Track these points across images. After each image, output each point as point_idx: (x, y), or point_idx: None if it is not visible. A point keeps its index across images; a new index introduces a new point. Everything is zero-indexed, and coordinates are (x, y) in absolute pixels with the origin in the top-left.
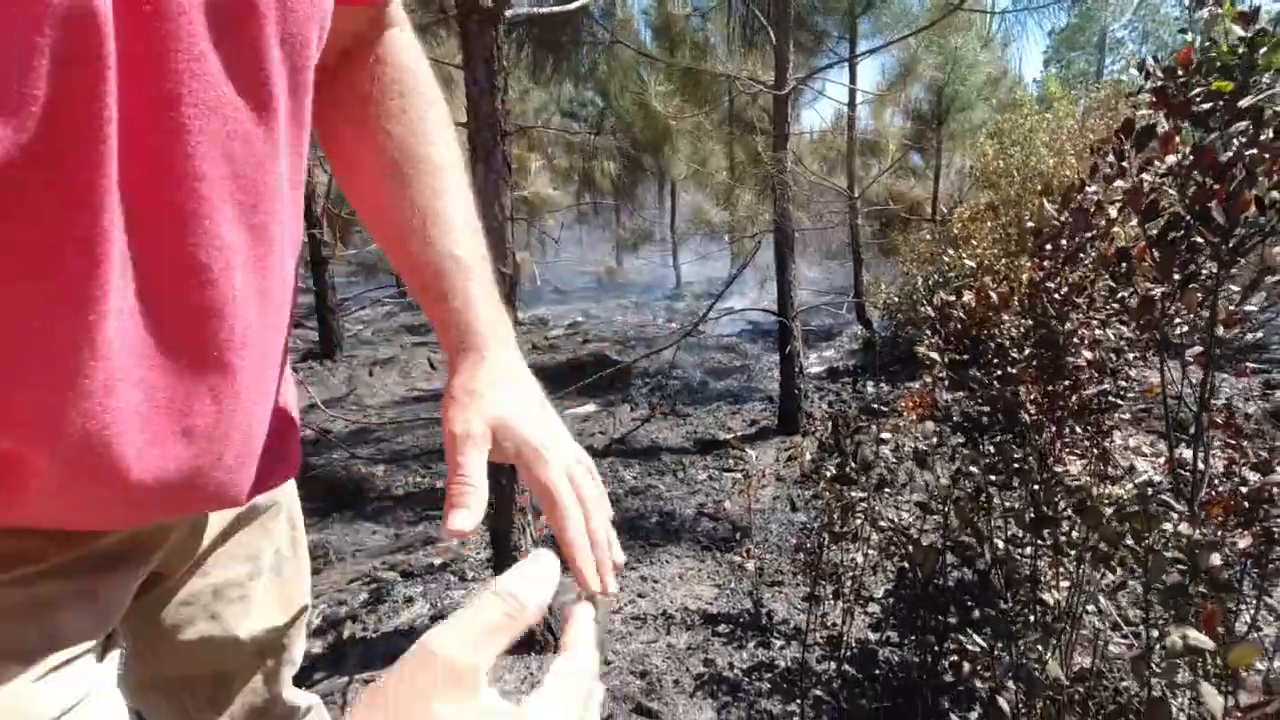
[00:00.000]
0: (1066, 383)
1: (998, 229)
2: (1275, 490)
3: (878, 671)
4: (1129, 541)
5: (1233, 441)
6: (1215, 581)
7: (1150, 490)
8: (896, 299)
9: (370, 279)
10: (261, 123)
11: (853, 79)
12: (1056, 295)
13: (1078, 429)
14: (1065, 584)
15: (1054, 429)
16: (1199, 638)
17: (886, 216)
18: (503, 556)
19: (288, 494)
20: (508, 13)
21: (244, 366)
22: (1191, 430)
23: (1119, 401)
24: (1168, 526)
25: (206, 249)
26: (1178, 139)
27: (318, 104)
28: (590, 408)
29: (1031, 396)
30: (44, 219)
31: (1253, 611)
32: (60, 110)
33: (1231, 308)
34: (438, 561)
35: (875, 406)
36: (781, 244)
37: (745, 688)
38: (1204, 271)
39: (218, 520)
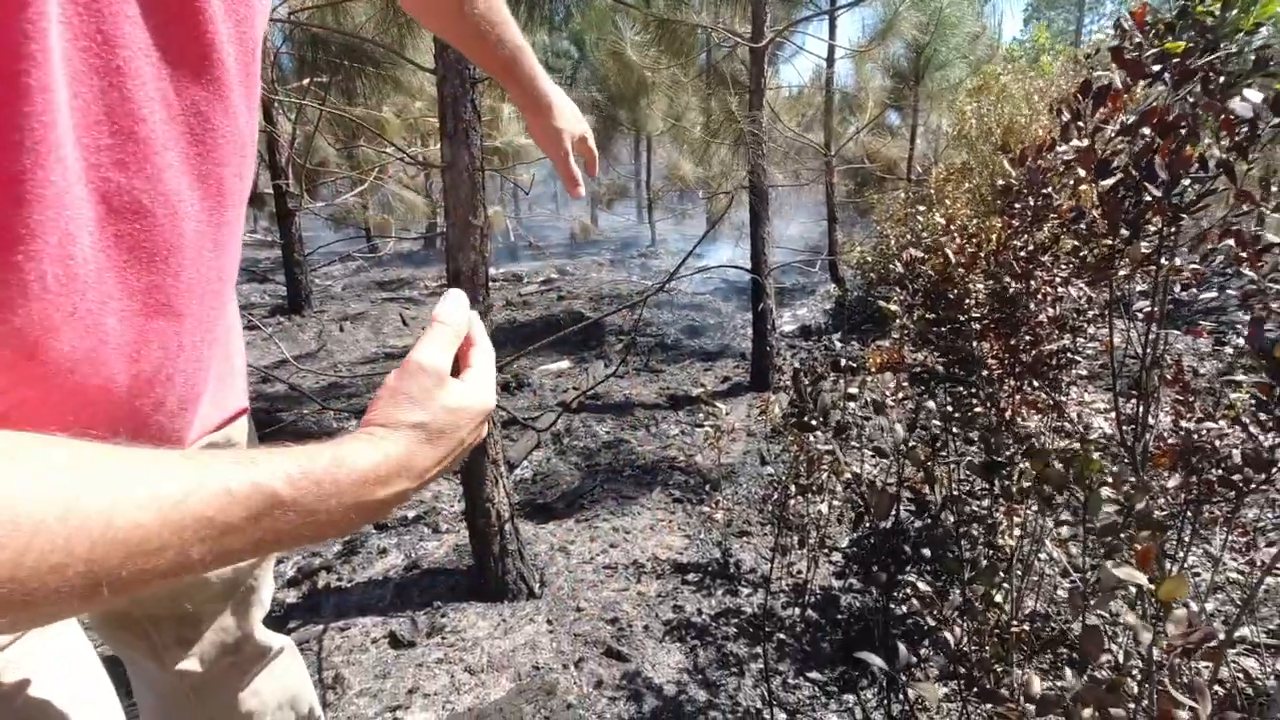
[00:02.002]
0: (1027, 338)
1: (972, 190)
2: (1210, 440)
3: (840, 616)
4: (1073, 485)
5: (1180, 397)
6: (1147, 521)
7: (1104, 442)
8: (870, 258)
9: (339, 233)
10: (205, 72)
11: (832, 34)
12: (1022, 253)
13: (1035, 384)
14: (1019, 531)
15: (1013, 383)
16: (1132, 573)
17: (863, 175)
18: (476, 507)
19: (243, 434)
20: None
21: (191, 313)
22: (1143, 386)
23: (1077, 358)
24: (1107, 469)
25: (150, 194)
26: (1126, 97)
27: None
28: (564, 364)
29: (993, 351)
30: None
31: (1183, 553)
32: None
33: (1181, 264)
34: (411, 514)
35: (843, 362)
36: (756, 201)
37: (712, 632)
38: (1151, 228)
39: None
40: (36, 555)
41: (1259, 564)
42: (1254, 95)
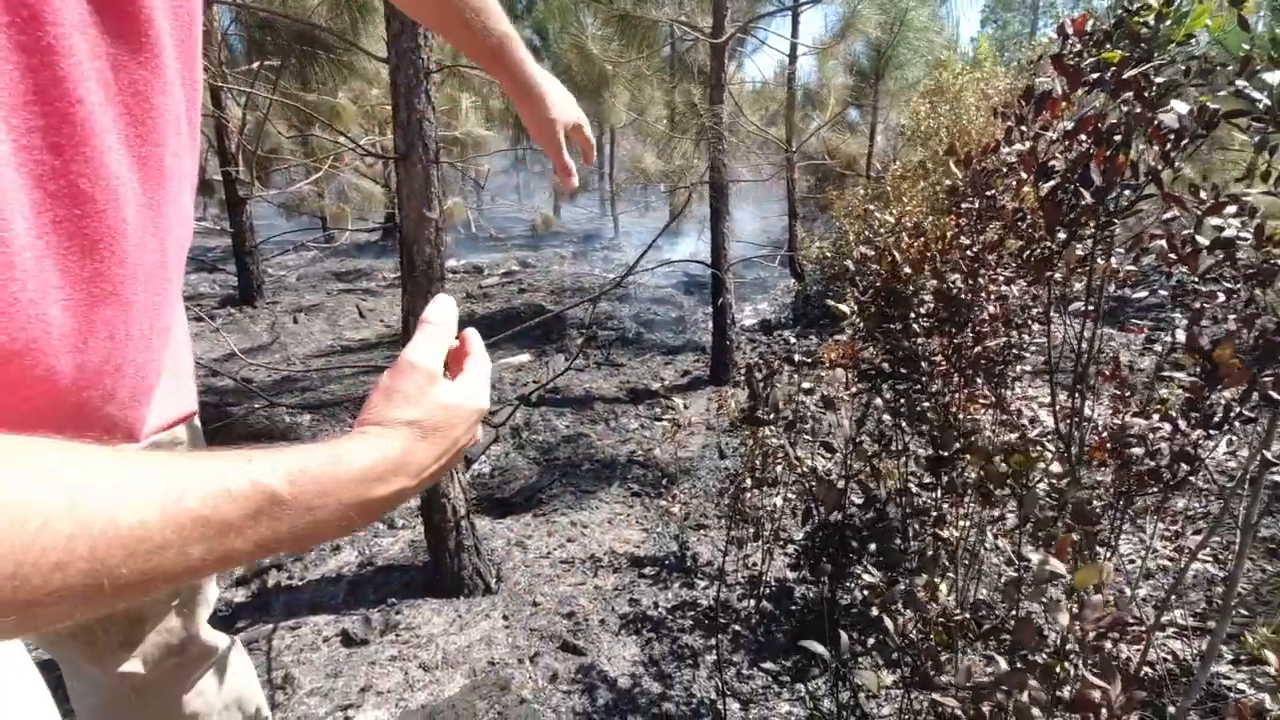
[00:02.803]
0: (971, 335)
1: (927, 187)
2: (1140, 434)
3: (793, 607)
4: (1011, 481)
5: (1119, 392)
6: (1079, 513)
7: (1046, 436)
8: (828, 254)
9: (293, 221)
10: (142, 49)
11: (795, 31)
12: (969, 253)
13: (979, 379)
14: (965, 523)
15: (959, 379)
16: (1055, 563)
17: (824, 171)
18: (432, 503)
19: (192, 432)
20: None
21: (137, 301)
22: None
23: (1024, 354)
24: (1043, 466)
25: (90, 178)
26: (1065, 103)
27: None
28: (525, 357)
29: (939, 348)
30: None
31: (1116, 542)
32: None
33: (1117, 265)
34: None
35: (797, 358)
36: (716, 197)
37: (668, 625)
38: (1087, 231)
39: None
40: (39, 553)
41: (1186, 550)
42: (1180, 107)
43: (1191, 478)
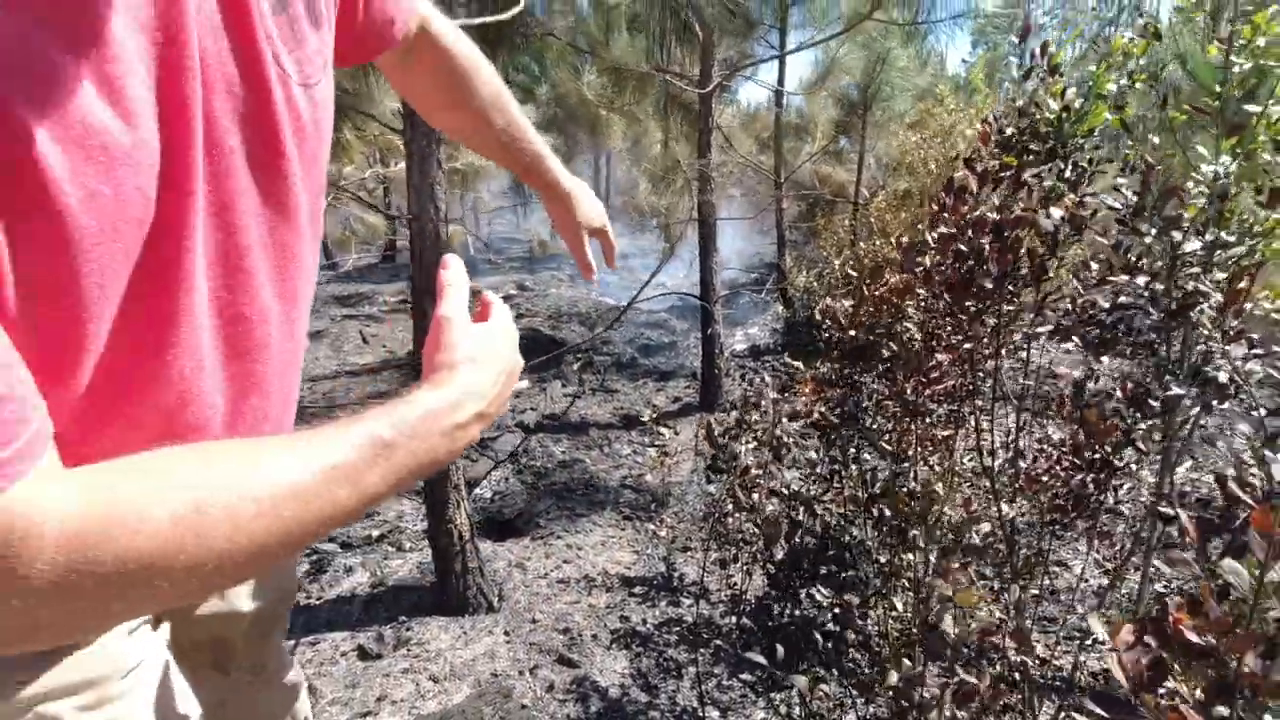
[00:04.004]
0: (923, 380)
1: (909, 217)
2: (1038, 474)
3: (770, 623)
4: (919, 520)
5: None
6: (969, 547)
7: (971, 473)
8: (814, 283)
9: None
10: (289, 218)
11: (781, 79)
12: (922, 304)
13: (927, 420)
14: (913, 555)
15: (909, 423)
16: (944, 587)
17: (813, 198)
18: (439, 529)
19: None
20: None
21: (274, 391)
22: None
23: (982, 390)
24: (937, 507)
25: (249, 307)
26: (975, 201)
27: (404, 88)
28: (523, 384)
29: (890, 392)
30: (144, 289)
31: (1043, 561)
32: (160, 215)
33: (1019, 335)
34: (375, 534)
35: (772, 396)
36: (705, 234)
37: (656, 640)
38: (990, 305)
39: None
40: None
41: (1115, 571)
42: (1056, 212)
43: (1094, 512)
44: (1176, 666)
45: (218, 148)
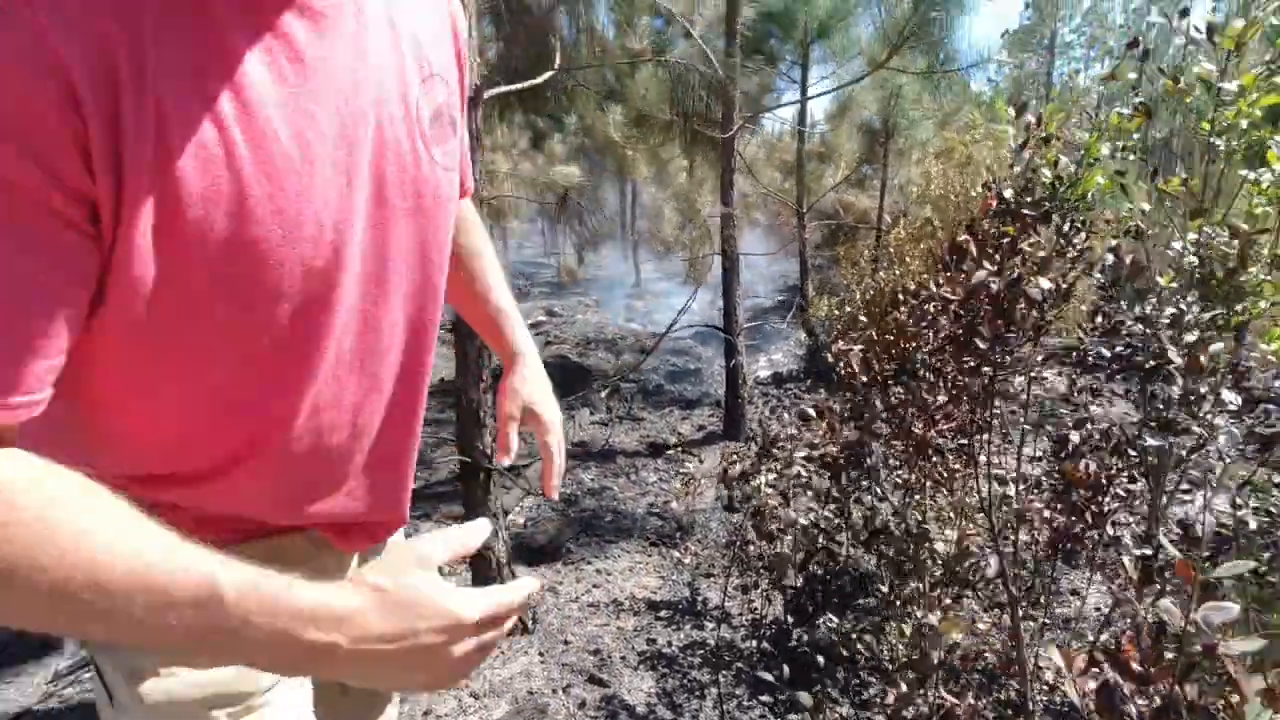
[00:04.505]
0: (930, 418)
1: (928, 250)
2: (1031, 516)
3: (790, 645)
4: (912, 558)
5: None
6: (956, 578)
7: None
8: (835, 312)
9: None
10: (419, 335)
11: (802, 117)
12: (924, 353)
13: (934, 459)
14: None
15: (915, 459)
16: (930, 617)
17: (836, 224)
18: (479, 555)
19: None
20: (486, 94)
21: (380, 465)
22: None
23: (990, 424)
24: (928, 545)
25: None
26: (975, 265)
27: None
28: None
29: (899, 429)
30: (287, 379)
31: (1046, 589)
32: (306, 319)
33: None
34: None
35: (790, 432)
36: (728, 268)
37: (680, 662)
38: (986, 365)
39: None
40: (38, 569)
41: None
42: (1045, 283)
43: (1094, 545)
44: (1127, 691)
45: (383, 197)
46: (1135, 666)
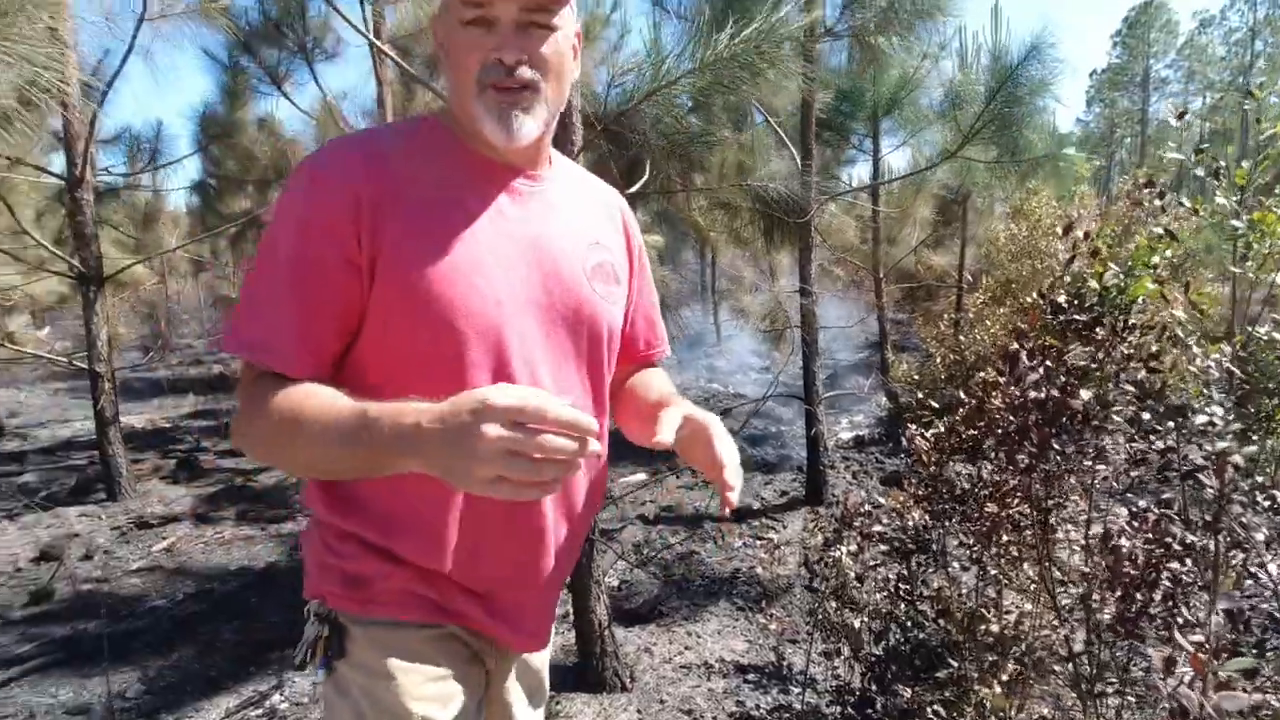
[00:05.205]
0: (1001, 502)
1: (1006, 315)
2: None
3: (871, 712)
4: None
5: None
6: (1019, 659)
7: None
8: (916, 377)
9: None
10: (579, 355)
11: (875, 199)
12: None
13: (1001, 543)
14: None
15: (991, 539)
16: (986, 694)
17: (916, 283)
18: (582, 618)
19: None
20: None
21: (542, 589)
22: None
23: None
24: (984, 625)
25: (544, 533)
26: (1027, 371)
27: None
28: (640, 476)
29: (969, 515)
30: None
31: (1083, 673)
32: (482, 349)
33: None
34: None
35: (859, 519)
36: (806, 341)
37: None
38: (1038, 466)
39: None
40: (286, 439)
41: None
42: (1085, 394)
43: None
44: None
45: (549, 294)
46: None
